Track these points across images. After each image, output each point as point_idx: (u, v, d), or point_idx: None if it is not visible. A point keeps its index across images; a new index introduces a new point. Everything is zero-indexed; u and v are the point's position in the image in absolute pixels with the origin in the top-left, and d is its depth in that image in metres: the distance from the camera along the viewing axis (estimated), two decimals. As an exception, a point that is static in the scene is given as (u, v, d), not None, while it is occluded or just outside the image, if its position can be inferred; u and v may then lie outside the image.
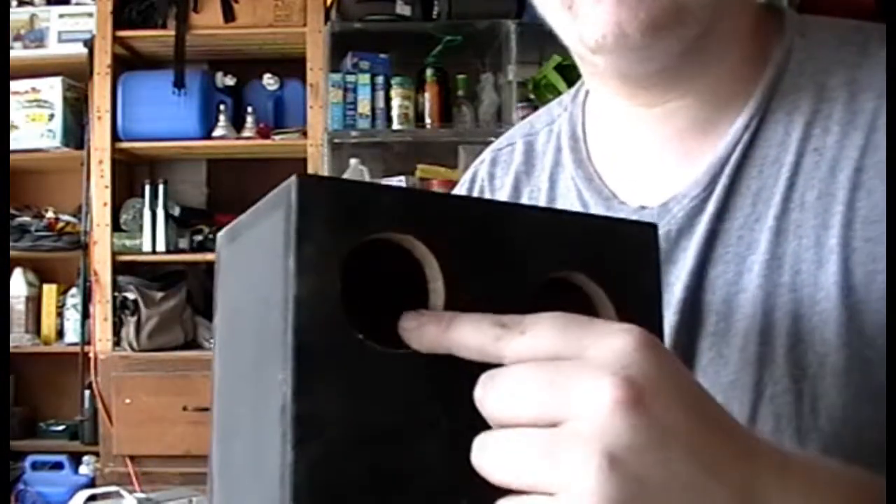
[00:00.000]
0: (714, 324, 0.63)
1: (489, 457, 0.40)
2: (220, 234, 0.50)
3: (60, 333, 3.37)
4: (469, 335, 0.41)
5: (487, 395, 0.40)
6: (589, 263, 0.46)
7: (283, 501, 0.38)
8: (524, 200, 0.77)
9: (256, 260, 0.45)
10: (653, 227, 0.49)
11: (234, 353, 0.48)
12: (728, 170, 0.65)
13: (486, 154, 0.83)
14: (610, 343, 0.39)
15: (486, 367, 0.41)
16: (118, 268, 3.22)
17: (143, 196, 3.26)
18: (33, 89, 3.29)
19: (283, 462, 0.39)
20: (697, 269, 0.64)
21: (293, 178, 0.41)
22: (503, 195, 0.79)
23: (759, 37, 0.68)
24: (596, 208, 0.70)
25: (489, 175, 0.81)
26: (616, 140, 0.72)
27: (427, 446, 0.41)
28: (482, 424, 0.41)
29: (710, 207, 0.64)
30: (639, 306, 0.47)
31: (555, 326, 0.40)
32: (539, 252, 0.45)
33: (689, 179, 0.66)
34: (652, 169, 0.69)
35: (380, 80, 3.15)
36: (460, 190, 0.84)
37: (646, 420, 0.38)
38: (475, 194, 0.82)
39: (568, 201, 0.73)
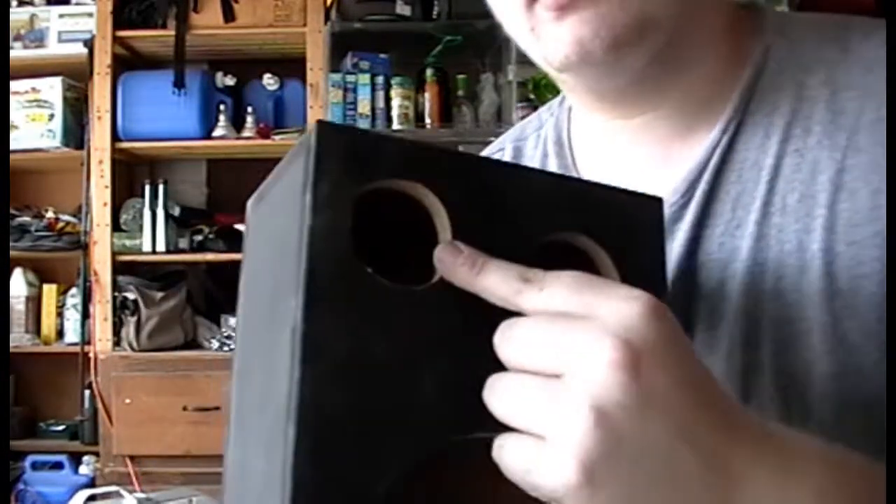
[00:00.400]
0: (698, 332, 0.62)
1: (496, 395, 0.43)
2: (249, 202, 0.54)
3: (60, 333, 3.37)
4: (496, 284, 0.44)
5: (503, 341, 0.43)
6: (594, 229, 0.49)
7: (288, 413, 0.40)
8: None
9: (279, 206, 0.48)
10: (658, 201, 0.52)
11: (254, 298, 0.52)
12: (707, 175, 0.64)
13: None
14: (619, 306, 0.42)
15: (489, 311, 0.44)
16: (118, 268, 3.21)
17: (143, 196, 3.26)
18: (33, 89, 3.29)
19: (291, 378, 0.41)
20: (679, 277, 0.63)
21: (314, 124, 0.44)
22: None
23: (735, 38, 0.66)
24: None
25: None
26: (599, 147, 0.71)
27: (427, 380, 0.43)
28: (481, 366, 0.43)
29: (690, 215, 0.63)
30: (643, 275, 0.48)
31: (571, 285, 0.43)
32: (544, 212, 0.48)
33: (669, 187, 0.65)
34: (635, 176, 0.67)
35: (380, 80, 3.15)
36: None
37: (635, 383, 0.41)
38: None
39: None
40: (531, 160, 0.77)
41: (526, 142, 0.79)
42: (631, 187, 0.68)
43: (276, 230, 0.47)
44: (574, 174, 0.72)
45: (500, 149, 0.81)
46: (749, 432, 0.45)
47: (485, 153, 0.82)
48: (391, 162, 0.45)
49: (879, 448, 0.55)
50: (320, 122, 0.44)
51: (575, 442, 0.40)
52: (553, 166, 0.73)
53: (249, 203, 0.54)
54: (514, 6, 0.61)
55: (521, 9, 0.61)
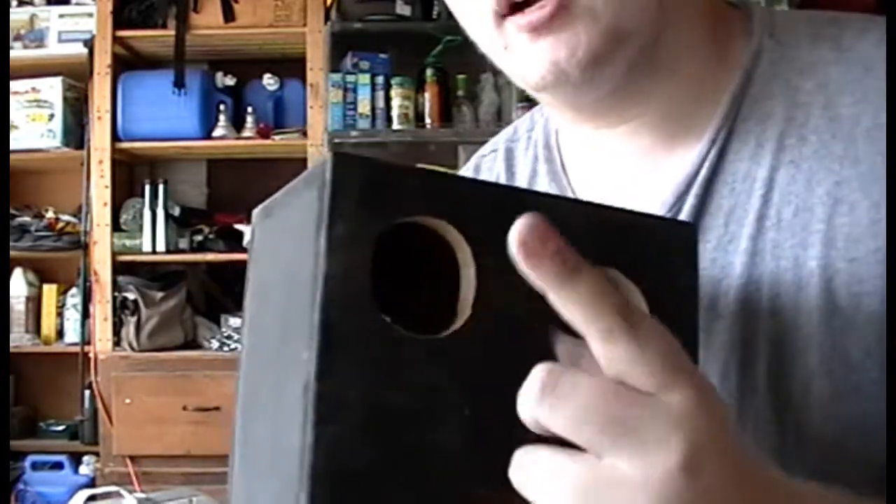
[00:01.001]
0: None
1: (527, 478, 0.39)
2: (255, 212, 0.51)
3: (60, 333, 3.37)
4: (588, 301, 0.38)
5: (545, 399, 0.39)
6: (623, 258, 0.46)
7: (301, 481, 0.38)
8: None
9: (288, 237, 0.45)
10: (692, 227, 0.49)
11: (261, 330, 0.48)
12: (696, 189, 0.61)
13: (472, 160, 0.81)
14: (686, 392, 0.38)
15: (516, 356, 0.41)
16: (118, 268, 3.21)
17: (143, 196, 3.26)
18: (33, 89, 3.29)
19: (304, 441, 0.39)
20: None
21: (329, 155, 0.41)
22: None
23: (721, 40, 0.64)
24: None
25: None
26: (587, 154, 0.69)
27: (447, 433, 0.41)
28: (508, 416, 0.40)
29: None
30: (674, 305, 0.46)
31: (667, 348, 0.39)
32: (574, 245, 0.44)
33: (657, 198, 0.62)
34: (624, 185, 0.65)
35: (380, 80, 3.15)
36: None
37: (697, 483, 0.38)
38: None
39: None
40: (522, 163, 0.75)
41: (517, 143, 0.77)
42: (619, 196, 0.64)
43: (288, 257, 0.45)
44: (563, 180, 0.70)
45: (493, 150, 0.79)
46: None
47: (478, 154, 0.81)
48: (412, 197, 0.42)
49: (878, 472, 0.53)
50: (337, 155, 0.41)
51: None
52: (542, 172, 0.72)
53: (255, 213, 0.51)
54: (484, 24, 0.60)
55: (491, 26, 0.59)
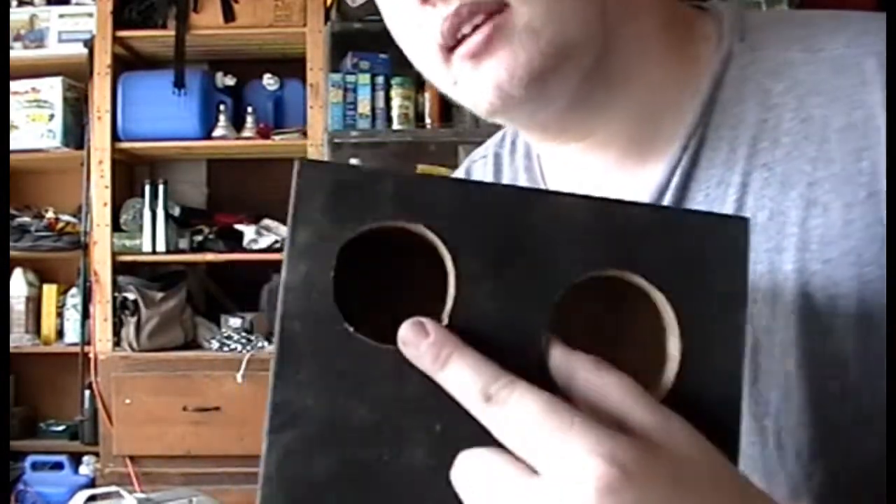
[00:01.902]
0: None
1: (462, 478, 0.39)
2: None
3: (60, 333, 3.37)
4: (459, 386, 0.40)
5: (461, 478, 0.39)
6: (646, 261, 0.43)
7: (259, 486, 0.39)
8: None
9: None
10: (742, 224, 0.45)
11: None
12: (669, 196, 0.60)
13: (464, 164, 0.81)
14: (573, 478, 0.37)
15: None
16: (118, 268, 3.21)
17: (143, 196, 3.25)
18: (33, 89, 3.29)
19: (263, 448, 0.39)
20: None
21: (296, 163, 0.41)
22: None
23: (686, 46, 0.63)
24: None
25: None
26: (564, 166, 0.68)
27: (414, 449, 0.40)
28: (484, 432, 0.39)
29: None
30: (714, 310, 0.43)
31: (536, 416, 0.38)
32: (581, 247, 0.42)
33: None
34: (600, 195, 0.65)
35: (380, 80, 3.15)
36: None
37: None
38: None
39: None
40: (507, 170, 0.75)
41: (504, 150, 0.76)
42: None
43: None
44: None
45: (483, 155, 0.79)
46: None
47: (470, 158, 0.80)
48: (385, 202, 0.41)
49: (859, 476, 0.53)
50: (302, 162, 0.40)
51: None
52: (523, 181, 0.71)
53: None
54: (433, 62, 0.60)
55: (440, 63, 0.59)
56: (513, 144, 0.75)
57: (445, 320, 0.41)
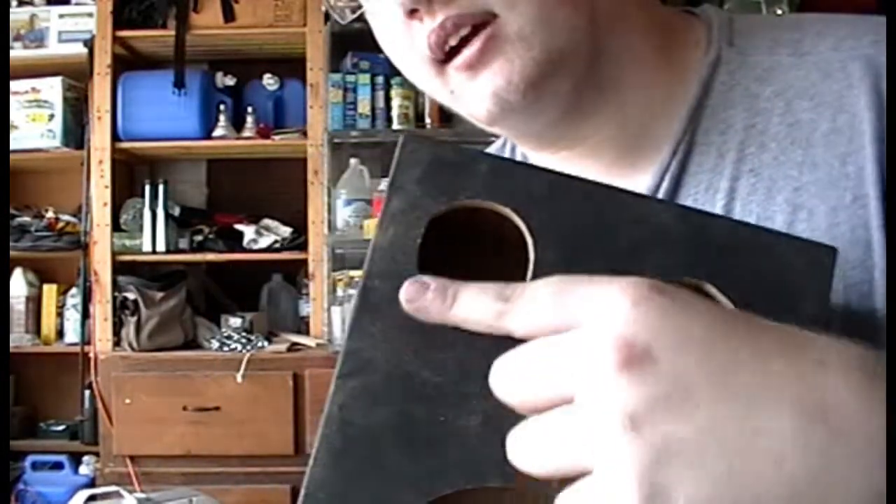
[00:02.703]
0: None
1: (521, 452, 0.38)
2: None
3: (60, 333, 3.37)
4: (473, 310, 0.41)
5: (498, 381, 0.39)
6: (726, 277, 0.42)
7: (321, 423, 0.41)
8: None
9: None
10: (830, 252, 0.44)
11: None
12: None
13: None
14: (607, 304, 0.37)
15: None
16: (118, 268, 3.21)
17: (143, 196, 3.26)
18: (33, 89, 3.29)
19: (330, 389, 0.41)
20: None
21: (401, 136, 0.43)
22: None
23: (675, 51, 0.63)
24: None
25: None
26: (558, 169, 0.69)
27: (468, 415, 0.41)
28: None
29: None
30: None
31: (549, 295, 0.39)
32: (654, 252, 0.42)
33: None
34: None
35: (380, 80, 3.15)
36: None
37: (654, 375, 0.36)
38: None
39: None
40: None
41: (504, 154, 0.76)
42: None
43: None
44: None
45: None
46: (824, 359, 0.37)
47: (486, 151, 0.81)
48: (478, 181, 0.43)
49: None
50: (407, 135, 0.43)
51: (624, 463, 0.35)
52: None
53: None
54: (427, 75, 0.60)
55: (433, 76, 0.60)
56: (513, 149, 0.76)
57: None
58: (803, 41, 0.61)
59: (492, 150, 0.79)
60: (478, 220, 0.44)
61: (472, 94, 0.59)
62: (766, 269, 0.43)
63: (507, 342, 0.41)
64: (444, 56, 0.58)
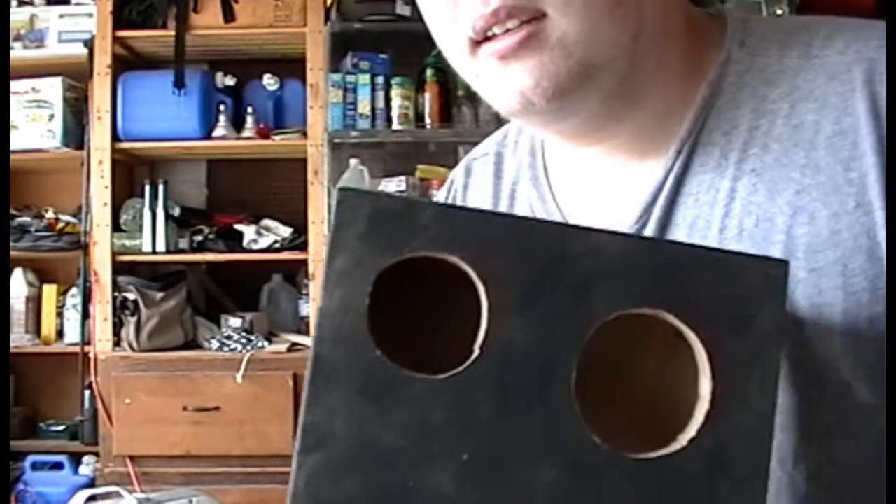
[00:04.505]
0: None
1: None
2: None
3: (60, 333, 3.37)
4: None
5: None
6: (679, 300, 0.43)
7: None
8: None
9: None
10: (782, 266, 0.45)
11: None
12: (661, 200, 0.61)
13: (464, 162, 0.81)
14: None
15: (517, 398, 0.40)
16: (118, 268, 3.21)
17: (143, 196, 3.25)
18: (33, 89, 3.29)
19: (292, 467, 0.40)
20: None
21: (336, 191, 0.42)
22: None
23: (695, 56, 0.63)
24: None
25: (463, 186, 0.79)
26: (568, 164, 0.69)
27: (439, 476, 0.40)
28: (510, 461, 0.39)
29: None
30: (748, 351, 0.43)
31: None
32: (608, 283, 0.42)
33: (628, 211, 0.63)
34: (599, 196, 0.66)
35: (380, 80, 3.15)
36: (439, 197, 0.82)
37: None
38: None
39: None
40: (509, 167, 0.75)
41: (506, 148, 0.77)
42: (596, 208, 0.64)
43: None
44: (545, 186, 0.70)
45: (484, 153, 0.79)
46: None
47: (469, 156, 0.81)
48: (422, 231, 0.41)
49: (839, 480, 0.53)
50: (342, 190, 0.41)
51: None
52: (525, 178, 0.72)
53: None
54: (460, 51, 0.61)
55: (466, 55, 0.60)
56: (516, 143, 0.76)
57: (476, 351, 0.42)
58: (812, 44, 0.61)
59: (490, 143, 0.80)
60: (430, 263, 0.43)
61: (498, 84, 0.59)
62: (720, 289, 0.43)
63: (470, 392, 0.40)
64: (482, 39, 0.58)
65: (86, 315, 3.21)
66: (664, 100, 0.63)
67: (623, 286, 0.42)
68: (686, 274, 0.43)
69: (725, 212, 0.59)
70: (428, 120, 3.17)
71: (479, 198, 0.77)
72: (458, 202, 0.79)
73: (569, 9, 0.56)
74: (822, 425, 0.56)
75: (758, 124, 0.60)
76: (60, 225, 3.35)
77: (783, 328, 0.44)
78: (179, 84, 3.15)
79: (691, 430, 0.43)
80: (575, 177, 0.68)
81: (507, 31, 0.57)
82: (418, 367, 0.41)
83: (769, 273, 0.44)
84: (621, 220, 0.63)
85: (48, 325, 3.37)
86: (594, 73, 0.57)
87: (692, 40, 0.64)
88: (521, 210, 0.72)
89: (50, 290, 3.39)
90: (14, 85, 3.25)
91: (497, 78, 0.59)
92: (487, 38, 0.58)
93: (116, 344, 3.15)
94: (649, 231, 0.62)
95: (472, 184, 0.79)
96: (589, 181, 0.67)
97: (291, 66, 3.26)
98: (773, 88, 0.60)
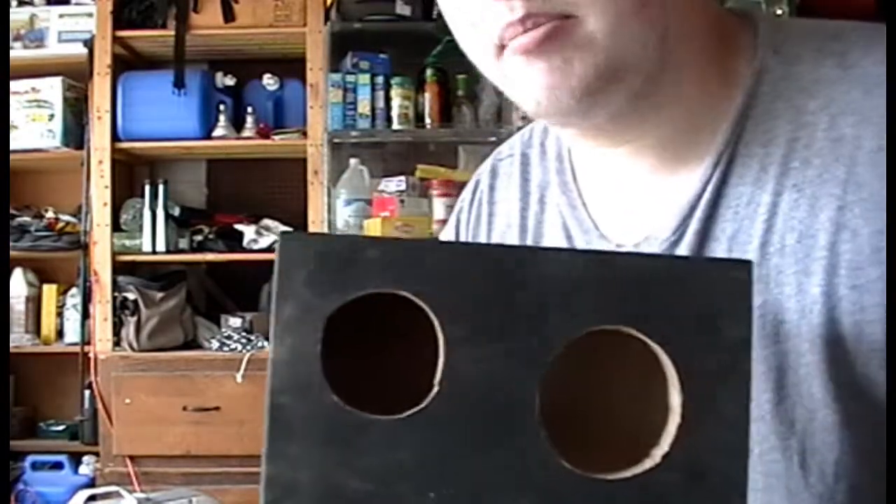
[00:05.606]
0: None
1: None
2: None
3: (60, 333, 3.37)
4: None
5: None
6: (642, 314, 0.42)
7: None
8: (527, 221, 0.73)
9: None
10: (745, 267, 0.43)
11: None
12: (699, 213, 0.60)
13: (489, 162, 0.80)
14: None
15: (480, 435, 0.39)
16: (118, 268, 3.21)
17: (143, 196, 3.25)
18: (33, 89, 3.29)
19: None
20: None
21: (278, 239, 0.41)
22: (504, 211, 0.75)
23: (726, 57, 0.62)
24: (577, 240, 0.66)
25: (489, 187, 0.78)
26: (596, 169, 0.68)
27: None
28: (479, 496, 0.39)
29: (682, 253, 0.60)
30: (718, 360, 0.42)
31: None
32: (568, 304, 0.41)
33: (661, 221, 0.62)
34: (630, 204, 0.65)
35: (380, 80, 3.15)
36: (465, 197, 0.81)
37: None
38: (476, 205, 0.79)
39: (554, 227, 0.69)
40: (536, 171, 0.74)
41: (532, 150, 0.76)
42: (626, 217, 0.63)
43: None
44: (574, 192, 0.69)
45: (510, 154, 0.78)
46: None
47: (495, 156, 0.80)
48: (369, 269, 0.40)
49: (882, 498, 0.53)
50: (283, 235, 0.40)
51: None
52: (554, 182, 0.71)
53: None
54: (486, 57, 0.60)
55: (492, 59, 0.59)
56: (542, 146, 0.75)
57: (436, 387, 0.41)
58: (848, 53, 0.59)
59: (515, 144, 0.78)
60: (383, 296, 0.41)
61: (525, 82, 0.58)
62: (684, 298, 0.42)
63: (432, 430, 0.40)
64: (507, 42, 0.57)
65: (86, 315, 3.20)
66: (692, 102, 0.61)
67: (580, 306, 0.41)
68: (645, 286, 0.42)
69: (767, 227, 0.58)
70: (428, 120, 3.17)
71: (506, 199, 0.76)
72: (485, 203, 0.78)
73: (595, 9, 0.55)
74: (867, 442, 0.55)
75: (797, 136, 0.58)
76: (60, 225, 3.35)
77: (750, 334, 0.43)
78: (179, 84, 3.15)
79: (664, 445, 0.42)
80: (604, 183, 0.67)
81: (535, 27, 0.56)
82: (383, 404, 0.40)
83: (731, 276, 0.43)
84: (656, 231, 0.62)
85: (48, 324, 3.37)
86: (622, 72, 0.57)
87: (720, 42, 0.63)
88: (552, 219, 0.70)
89: (50, 290, 3.39)
90: (14, 85, 3.25)
91: (523, 76, 0.57)
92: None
93: (116, 344, 3.15)
94: (686, 243, 0.60)
95: (498, 185, 0.78)
96: (618, 188, 0.66)
97: (291, 66, 3.26)
98: (809, 99, 0.59)
